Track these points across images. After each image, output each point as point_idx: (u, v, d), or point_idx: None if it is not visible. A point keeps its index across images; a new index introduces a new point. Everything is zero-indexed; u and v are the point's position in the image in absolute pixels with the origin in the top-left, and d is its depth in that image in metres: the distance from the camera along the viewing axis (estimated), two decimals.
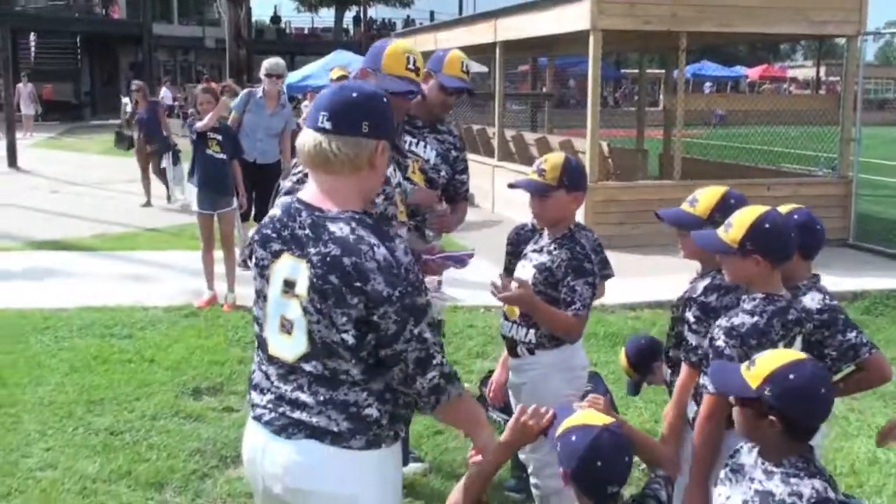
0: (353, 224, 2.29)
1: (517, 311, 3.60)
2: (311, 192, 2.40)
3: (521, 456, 3.87)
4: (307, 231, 2.32)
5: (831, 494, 2.26)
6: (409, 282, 2.27)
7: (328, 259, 2.26)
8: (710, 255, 3.06)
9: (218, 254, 8.05)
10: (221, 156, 7.88)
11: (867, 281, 8.52)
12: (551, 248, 3.56)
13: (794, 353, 2.41)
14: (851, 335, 3.17)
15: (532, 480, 3.76)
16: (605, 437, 2.36)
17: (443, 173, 4.36)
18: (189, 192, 8.61)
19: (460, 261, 3.65)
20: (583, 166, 3.74)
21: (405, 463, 3.81)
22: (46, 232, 11.35)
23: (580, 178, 3.59)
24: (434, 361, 2.32)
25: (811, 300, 3.17)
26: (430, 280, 3.77)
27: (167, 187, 13.95)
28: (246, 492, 4.39)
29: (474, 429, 2.54)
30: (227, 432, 5.09)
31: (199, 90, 8.38)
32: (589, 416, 2.44)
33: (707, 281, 3.14)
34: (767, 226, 2.80)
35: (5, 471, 4.58)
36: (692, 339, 3.08)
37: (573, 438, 2.36)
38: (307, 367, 2.34)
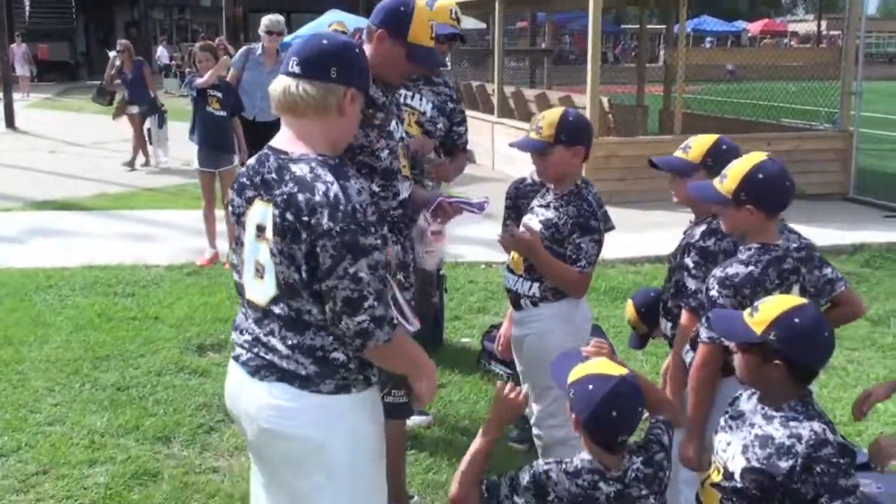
0: (314, 164, 2.34)
1: (521, 264, 3.63)
2: (281, 138, 2.46)
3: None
4: (273, 174, 2.38)
5: (830, 436, 2.30)
6: (354, 219, 2.26)
7: (286, 197, 2.31)
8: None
9: (219, 212, 8.05)
10: (222, 113, 7.85)
11: (867, 234, 8.54)
12: (558, 204, 3.54)
13: (796, 299, 2.44)
14: (827, 270, 3.19)
15: (535, 431, 3.81)
16: (622, 387, 2.39)
17: (440, 125, 4.35)
18: (190, 152, 8.54)
19: (477, 206, 3.66)
20: (584, 119, 3.69)
21: (409, 415, 3.85)
22: (46, 192, 11.34)
23: (579, 133, 3.53)
24: (366, 304, 2.29)
25: (787, 240, 3.20)
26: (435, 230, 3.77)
27: (143, 151, 13.70)
28: None
29: (411, 375, 2.57)
30: None
31: (198, 48, 8.33)
32: (605, 365, 2.46)
33: (704, 227, 3.17)
34: (761, 176, 2.81)
35: (14, 426, 4.64)
36: (691, 284, 3.11)
37: (590, 387, 2.38)
38: (276, 311, 2.39)
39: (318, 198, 2.27)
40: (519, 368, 3.95)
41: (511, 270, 3.71)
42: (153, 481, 4.12)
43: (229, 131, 7.98)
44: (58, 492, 4.01)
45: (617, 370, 2.43)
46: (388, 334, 2.35)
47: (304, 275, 2.31)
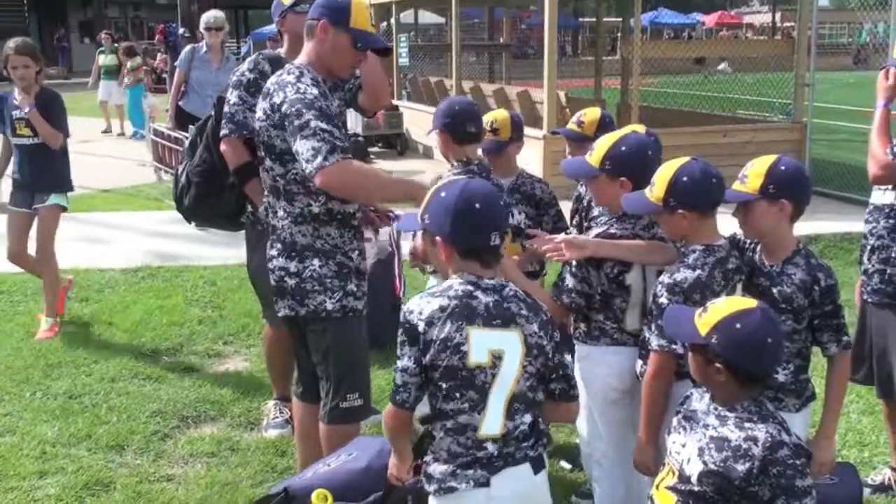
0: None
1: None
2: None
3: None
4: None
5: (785, 437, 2.29)
6: None
7: None
8: (612, 201, 3.12)
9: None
10: (33, 140, 5.94)
11: (821, 224, 8.61)
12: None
13: (746, 302, 2.42)
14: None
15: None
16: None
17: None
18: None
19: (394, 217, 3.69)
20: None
21: (365, 418, 3.79)
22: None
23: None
24: None
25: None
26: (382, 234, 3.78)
27: None
28: (207, 451, 4.39)
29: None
30: (188, 392, 5.07)
31: (12, 48, 5.86)
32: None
33: (602, 229, 3.17)
34: (685, 179, 2.84)
35: None
36: (569, 282, 3.12)
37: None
38: None
39: None
40: None
41: None
42: (105, 491, 4.03)
43: (49, 160, 6.01)
44: None
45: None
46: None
47: None
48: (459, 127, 3.81)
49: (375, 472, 2.87)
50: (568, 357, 2.55)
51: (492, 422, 2.41)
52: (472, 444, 2.43)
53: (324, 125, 3.09)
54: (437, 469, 2.46)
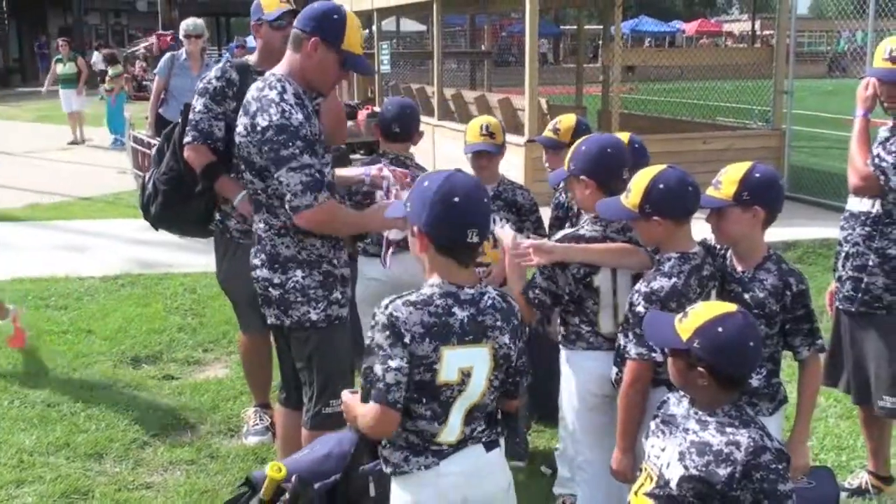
0: None
1: None
2: None
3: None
4: None
5: (767, 442, 2.30)
6: None
7: None
8: (583, 202, 3.19)
9: None
10: None
11: (800, 231, 8.67)
12: None
13: (725, 306, 2.42)
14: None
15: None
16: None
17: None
18: None
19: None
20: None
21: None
22: None
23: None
24: None
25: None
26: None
27: None
28: (187, 459, 4.37)
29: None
30: (167, 400, 5.04)
31: None
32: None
33: (567, 232, 3.20)
34: (661, 186, 2.85)
35: None
36: (537, 278, 3.15)
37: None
38: None
39: None
40: None
41: None
42: (84, 500, 4.01)
43: None
44: None
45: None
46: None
47: None
48: (387, 126, 4.25)
49: (336, 457, 2.90)
50: (524, 364, 2.59)
51: (451, 431, 2.46)
52: (427, 440, 2.47)
53: (309, 159, 3.09)
54: (392, 454, 2.50)
